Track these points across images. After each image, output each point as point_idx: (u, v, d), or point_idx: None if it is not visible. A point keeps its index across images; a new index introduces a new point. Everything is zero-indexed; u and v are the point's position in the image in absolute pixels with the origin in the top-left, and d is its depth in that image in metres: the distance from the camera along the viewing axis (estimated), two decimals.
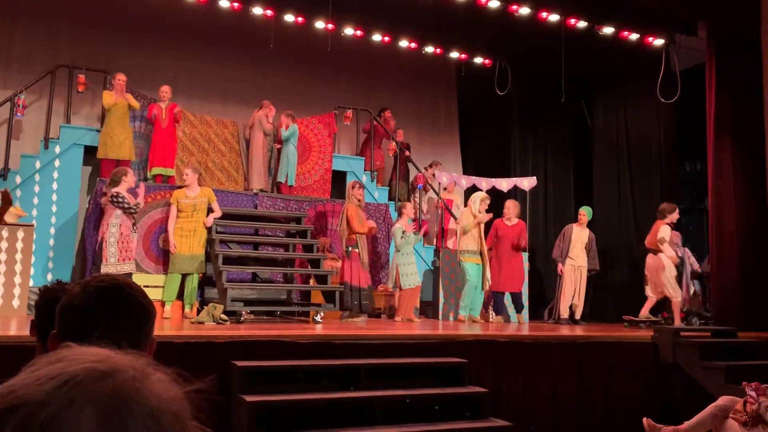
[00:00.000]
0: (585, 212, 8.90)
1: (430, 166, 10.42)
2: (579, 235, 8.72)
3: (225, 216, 7.81)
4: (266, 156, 9.21)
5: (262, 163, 9.08)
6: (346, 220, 7.63)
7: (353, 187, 7.92)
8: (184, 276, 7.19)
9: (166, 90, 8.59)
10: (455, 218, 9.75)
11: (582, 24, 8.74)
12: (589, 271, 8.68)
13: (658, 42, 8.93)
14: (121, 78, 8.34)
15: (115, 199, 6.51)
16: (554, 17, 8.61)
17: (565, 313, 8.52)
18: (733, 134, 8.01)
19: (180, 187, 7.63)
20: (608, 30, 8.81)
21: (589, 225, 9.03)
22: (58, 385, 0.57)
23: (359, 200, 7.84)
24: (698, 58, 8.65)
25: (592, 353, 5.95)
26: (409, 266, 7.90)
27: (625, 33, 8.90)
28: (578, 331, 7.08)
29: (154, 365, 0.65)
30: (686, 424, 4.60)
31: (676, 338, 6.15)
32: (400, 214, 8.22)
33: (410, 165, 10.41)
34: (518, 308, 8.42)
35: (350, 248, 7.65)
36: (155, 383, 0.62)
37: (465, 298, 8.00)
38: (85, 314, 1.24)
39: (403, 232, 7.94)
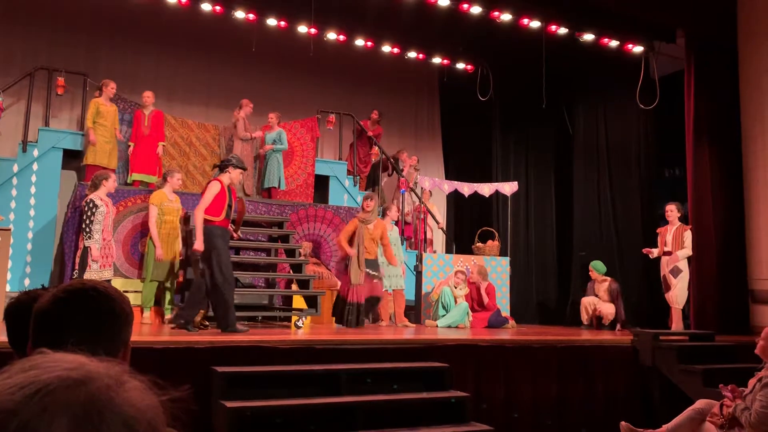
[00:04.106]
0: (593, 268, 8.42)
1: (398, 153, 10.43)
2: (599, 293, 8.29)
3: None
4: (250, 161, 9.20)
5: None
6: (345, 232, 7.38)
7: (363, 200, 7.61)
8: (160, 282, 7.06)
9: (149, 95, 8.53)
10: (438, 223, 9.79)
11: (563, 30, 8.82)
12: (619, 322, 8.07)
13: (638, 49, 9.04)
14: (112, 86, 8.27)
15: (86, 205, 6.39)
16: (535, 23, 8.68)
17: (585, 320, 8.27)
18: (712, 140, 8.13)
19: (151, 191, 7.48)
20: (588, 37, 8.91)
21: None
22: (29, 394, 0.57)
23: (368, 212, 7.42)
24: (677, 65, 8.77)
25: (573, 357, 5.99)
26: (394, 268, 7.88)
27: (605, 40, 9.00)
28: (562, 335, 7.12)
29: (129, 373, 0.65)
30: (665, 427, 4.64)
31: (655, 342, 6.21)
32: (383, 217, 8.21)
33: (393, 168, 10.44)
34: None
35: (346, 262, 7.35)
36: (130, 391, 0.61)
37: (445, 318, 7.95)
38: (52, 320, 1.23)
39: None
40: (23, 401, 0.56)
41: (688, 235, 7.43)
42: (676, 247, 7.45)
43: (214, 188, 5.96)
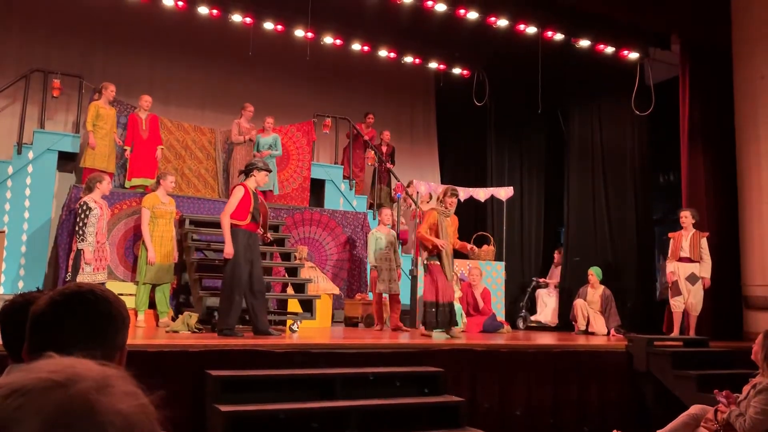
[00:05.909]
0: (593, 272, 8.39)
1: (408, 185, 10.30)
2: (592, 299, 8.30)
3: (201, 223, 7.74)
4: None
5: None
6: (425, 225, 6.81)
7: (445, 194, 6.97)
8: (154, 285, 7.03)
9: (147, 99, 8.49)
10: None
11: (558, 37, 8.85)
12: (616, 329, 8.02)
13: (633, 55, 9.07)
14: (112, 89, 8.24)
15: (80, 208, 6.36)
16: (531, 29, 8.71)
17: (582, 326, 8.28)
18: (706, 146, 8.17)
19: (144, 194, 7.46)
20: (584, 43, 8.94)
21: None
22: (5, 394, 0.58)
23: (447, 208, 6.88)
24: (672, 71, 8.81)
25: (567, 362, 5.99)
26: (390, 272, 7.87)
27: (601, 46, 9.03)
28: (556, 340, 7.13)
29: (123, 377, 0.65)
30: None
31: (649, 347, 6.22)
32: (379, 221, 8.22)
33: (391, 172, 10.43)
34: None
35: (428, 261, 6.80)
36: (113, 396, 0.61)
37: None
38: (48, 323, 1.22)
39: (377, 239, 7.93)
40: None
41: (704, 243, 7.39)
42: (693, 253, 7.40)
43: (237, 193, 6.12)
